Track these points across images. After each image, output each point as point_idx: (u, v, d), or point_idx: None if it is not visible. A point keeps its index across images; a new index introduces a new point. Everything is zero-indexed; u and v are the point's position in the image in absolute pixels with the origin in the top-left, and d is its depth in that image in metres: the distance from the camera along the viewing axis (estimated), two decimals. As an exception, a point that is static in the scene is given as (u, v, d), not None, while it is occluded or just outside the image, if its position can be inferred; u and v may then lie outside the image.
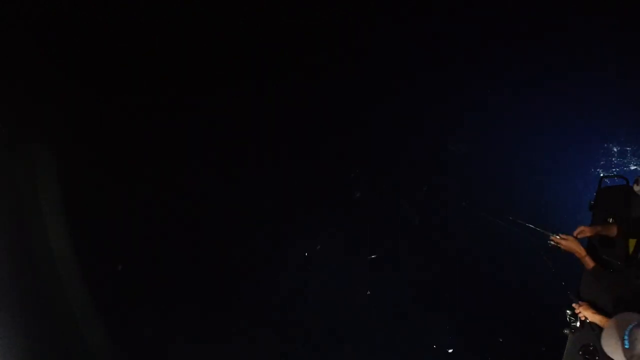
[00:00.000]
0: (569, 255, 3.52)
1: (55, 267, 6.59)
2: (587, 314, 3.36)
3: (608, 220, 4.63)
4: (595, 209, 4.81)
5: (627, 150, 7.18)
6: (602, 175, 5.23)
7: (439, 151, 8.26)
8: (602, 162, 7.08)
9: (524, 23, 8.38)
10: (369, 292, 6.62)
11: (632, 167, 7.22)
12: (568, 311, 3.50)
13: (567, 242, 3.47)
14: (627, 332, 2.36)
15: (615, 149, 7.21)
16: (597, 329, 3.30)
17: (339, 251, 7.22)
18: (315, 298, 6.75)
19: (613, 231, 3.80)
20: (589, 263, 3.41)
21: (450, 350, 5.46)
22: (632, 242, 4.40)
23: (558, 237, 3.52)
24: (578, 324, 3.45)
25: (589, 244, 3.85)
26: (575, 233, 3.68)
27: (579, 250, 3.44)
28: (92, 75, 7.83)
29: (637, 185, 3.98)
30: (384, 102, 8.87)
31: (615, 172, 6.80)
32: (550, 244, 3.56)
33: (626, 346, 2.34)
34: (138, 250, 7.12)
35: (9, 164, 6.40)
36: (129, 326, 6.61)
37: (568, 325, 3.49)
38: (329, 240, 7.33)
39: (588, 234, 3.75)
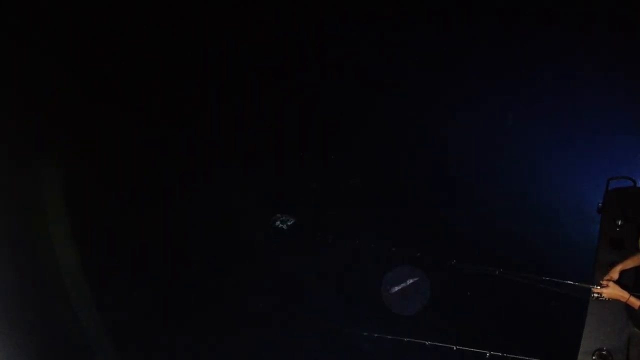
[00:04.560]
0: None
1: (60, 275, 6.56)
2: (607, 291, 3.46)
3: (617, 222, 4.66)
4: (603, 212, 4.81)
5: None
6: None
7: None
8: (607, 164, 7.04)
9: (530, 23, 8.35)
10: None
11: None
12: (594, 295, 3.57)
13: (609, 290, 3.50)
14: None
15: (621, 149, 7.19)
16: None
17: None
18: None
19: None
20: (635, 302, 3.42)
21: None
22: None
23: (598, 287, 3.54)
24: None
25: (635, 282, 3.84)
26: (611, 277, 3.67)
27: (622, 294, 3.45)
28: (93, 80, 7.79)
29: None
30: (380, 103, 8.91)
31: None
32: (593, 296, 3.59)
33: None
34: (143, 255, 7.10)
35: (13, 174, 6.37)
36: (134, 333, 6.60)
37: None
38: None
39: (617, 276, 3.71)
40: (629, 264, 3.77)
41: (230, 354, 6.42)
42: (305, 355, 6.13)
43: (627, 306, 3.55)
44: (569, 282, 3.70)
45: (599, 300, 3.59)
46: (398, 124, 8.74)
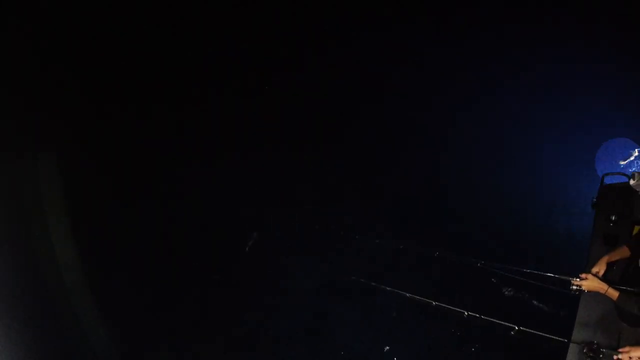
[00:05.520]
0: None
1: (59, 272, 6.61)
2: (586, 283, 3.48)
3: (611, 217, 4.64)
4: (598, 207, 4.80)
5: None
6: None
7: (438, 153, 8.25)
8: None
9: (529, 18, 8.35)
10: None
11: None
12: (573, 287, 3.57)
13: (588, 282, 3.53)
14: None
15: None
16: None
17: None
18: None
19: (626, 252, 3.81)
20: (613, 294, 3.45)
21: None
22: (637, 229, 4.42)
23: (578, 279, 3.57)
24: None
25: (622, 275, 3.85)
26: (593, 271, 3.71)
27: (601, 286, 3.49)
28: (91, 78, 7.84)
29: (634, 179, 3.97)
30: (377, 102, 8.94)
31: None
32: (572, 288, 3.60)
33: None
34: (140, 253, 7.13)
35: (11, 169, 6.43)
36: (131, 328, 6.63)
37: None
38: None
39: (604, 267, 3.75)
40: (614, 256, 3.79)
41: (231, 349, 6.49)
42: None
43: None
44: (549, 274, 3.70)
45: (581, 292, 3.59)
46: (397, 123, 8.77)
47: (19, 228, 6.47)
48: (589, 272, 3.66)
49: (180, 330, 6.74)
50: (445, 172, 8.01)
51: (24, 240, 6.48)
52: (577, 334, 3.70)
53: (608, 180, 5.07)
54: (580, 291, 3.57)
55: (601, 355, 3.45)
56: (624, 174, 5.05)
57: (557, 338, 3.54)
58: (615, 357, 3.25)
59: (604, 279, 3.58)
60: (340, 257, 7.14)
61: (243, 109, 8.92)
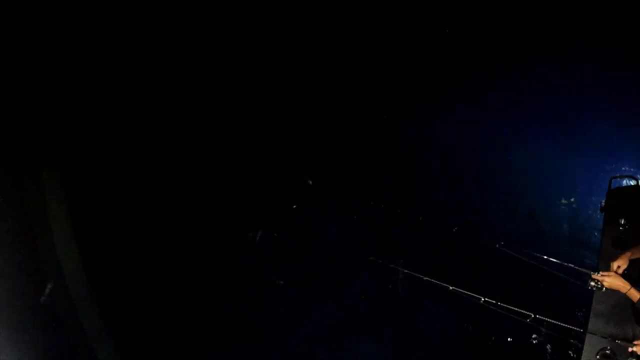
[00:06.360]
0: None
1: (60, 273, 6.56)
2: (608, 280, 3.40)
3: (620, 221, 4.64)
4: (606, 211, 4.79)
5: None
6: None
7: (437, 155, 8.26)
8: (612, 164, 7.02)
9: (531, 24, 8.35)
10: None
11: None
12: (592, 282, 3.50)
13: (610, 279, 3.42)
14: None
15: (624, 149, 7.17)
16: None
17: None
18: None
19: None
20: (635, 295, 3.34)
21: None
22: None
23: (599, 274, 3.48)
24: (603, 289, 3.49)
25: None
26: (613, 268, 3.60)
27: (623, 285, 3.37)
28: (91, 77, 7.78)
29: None
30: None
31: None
32: (591, 284, 3.51)
33: None
34: (146, 260, 7.10)
35: (15, 177, 6.37)
36: (135, 335, 6.61)
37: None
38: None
39: (626, 263, 3.64)
40: (636, 253, 3.69)
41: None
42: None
43: (632, 303, 3.51)
44: (570, 265, 3.63)
45: (600, 291, 3.52)
46: (401, 123, 8.77)
47: (20, 228, 6.41)
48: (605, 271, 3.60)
49: (181, 332, 6.72)
50: (452, 173, 8.02)
51: (25, 240, 6.42)
52: (590, 339, 3.68)
53: (616, 183, 5.06)
54: (599, 287, 3.49)
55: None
56: (632, 177, 5.06)
57: (573, 328, 3.49)
58: (630, 349, 3.23)
59: (627, 277, 3.50)
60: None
61: (244, 110, 8.89)
